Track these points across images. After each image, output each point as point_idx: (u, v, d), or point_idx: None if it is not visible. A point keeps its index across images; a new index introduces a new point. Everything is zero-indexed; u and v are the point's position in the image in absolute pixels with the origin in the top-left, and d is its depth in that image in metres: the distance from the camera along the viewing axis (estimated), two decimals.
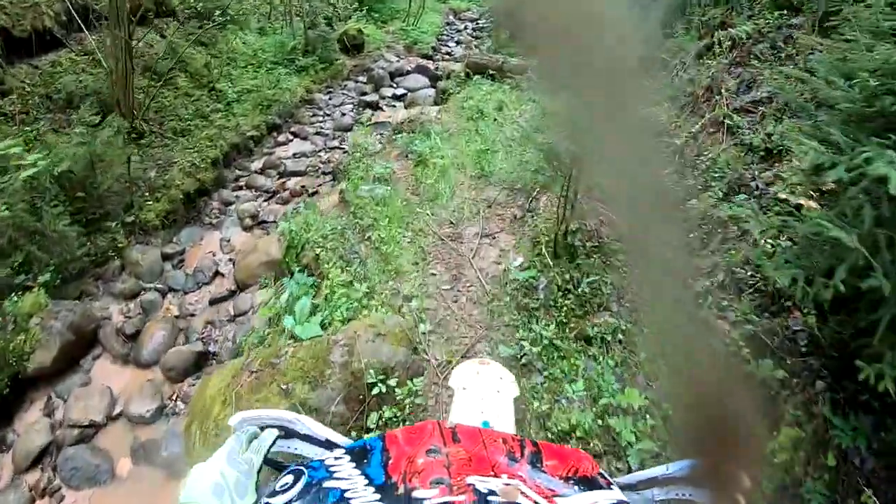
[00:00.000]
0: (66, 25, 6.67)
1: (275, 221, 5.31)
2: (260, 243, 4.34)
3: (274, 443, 0.74)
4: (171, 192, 5.39)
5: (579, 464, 0.68)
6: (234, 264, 4.69)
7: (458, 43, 11.06)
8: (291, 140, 7.39)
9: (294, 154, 6.96)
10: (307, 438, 0.87)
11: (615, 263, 3.14)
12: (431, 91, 8.55)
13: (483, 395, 1.39)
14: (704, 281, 2.97)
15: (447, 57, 10.46)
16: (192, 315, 4.30)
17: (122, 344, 4.11)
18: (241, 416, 0.83)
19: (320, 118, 8.17)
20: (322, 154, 6.97)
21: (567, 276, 3.07)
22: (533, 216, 4.15)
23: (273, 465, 0.75)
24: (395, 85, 9.15)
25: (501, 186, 4.62)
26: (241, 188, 6.19)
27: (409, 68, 9.62)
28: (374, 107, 8.47)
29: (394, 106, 8.55)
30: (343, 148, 6.97)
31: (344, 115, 8.25)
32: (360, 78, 9.47)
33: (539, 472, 0.65)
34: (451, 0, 14.71)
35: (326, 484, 0.59)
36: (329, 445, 0.86)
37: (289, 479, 0.61)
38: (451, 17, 13.45)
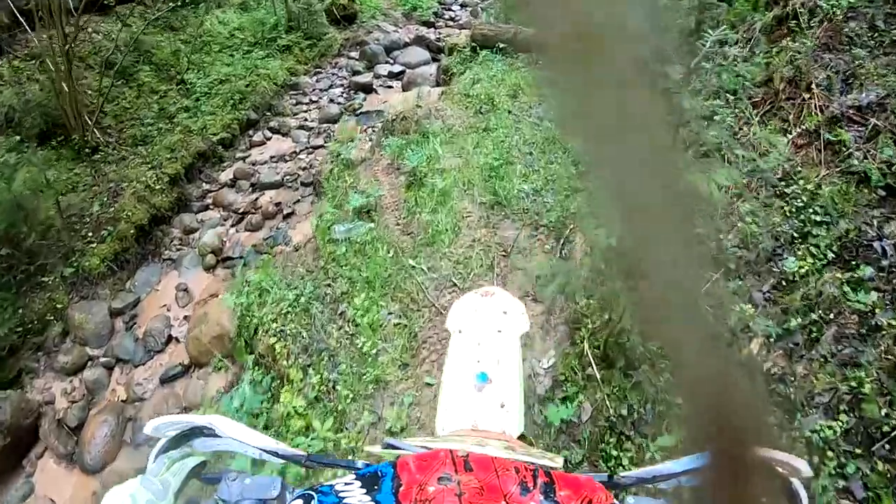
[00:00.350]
0: (9, 28, 5.64)
1: (241, 257, 4.44)
2: (211, 312, 3.47)
3: (203, 465, 0.74)
4: (121, 228, 4.50)
5: (593, 494, 0.62)
6: (188, 322, 3.89)
7: (462, 6, 9.59)
8: (269, 138, 6.38)
9: (271, 157, 5.98)
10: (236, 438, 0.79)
11: None
12: (432, 68, 7.35)
13: (480, 338, 1.20)
14: (817, 416, 2.01)
15: (451, 23, 9.04)
16: (141, 399, 3.55)
17: (66, 439, 3.50)
18: (155, 423, 0.73)
19: (305, 106, 7.10)
20: (303, 156, 5.98)
21: (624, 410, 2.12)
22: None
23: (205, 479, 0.74)
24: (391, 61, 7.93)
25: (522, 221, 3.61)
26: (207, 208, 5.28)
27: (408, 39, 8.34)
28: (368, 89, 7.33)
29: (390, 87, 7.40)
30: (328, 146, 5.94)
31: (332, 101, 7.16)
32: (353, 54, 8.22)
33: (552, 502, 0.60)
34: None
35: None
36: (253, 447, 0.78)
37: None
38: None
